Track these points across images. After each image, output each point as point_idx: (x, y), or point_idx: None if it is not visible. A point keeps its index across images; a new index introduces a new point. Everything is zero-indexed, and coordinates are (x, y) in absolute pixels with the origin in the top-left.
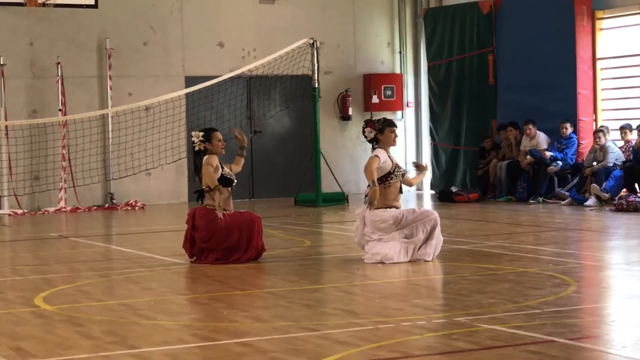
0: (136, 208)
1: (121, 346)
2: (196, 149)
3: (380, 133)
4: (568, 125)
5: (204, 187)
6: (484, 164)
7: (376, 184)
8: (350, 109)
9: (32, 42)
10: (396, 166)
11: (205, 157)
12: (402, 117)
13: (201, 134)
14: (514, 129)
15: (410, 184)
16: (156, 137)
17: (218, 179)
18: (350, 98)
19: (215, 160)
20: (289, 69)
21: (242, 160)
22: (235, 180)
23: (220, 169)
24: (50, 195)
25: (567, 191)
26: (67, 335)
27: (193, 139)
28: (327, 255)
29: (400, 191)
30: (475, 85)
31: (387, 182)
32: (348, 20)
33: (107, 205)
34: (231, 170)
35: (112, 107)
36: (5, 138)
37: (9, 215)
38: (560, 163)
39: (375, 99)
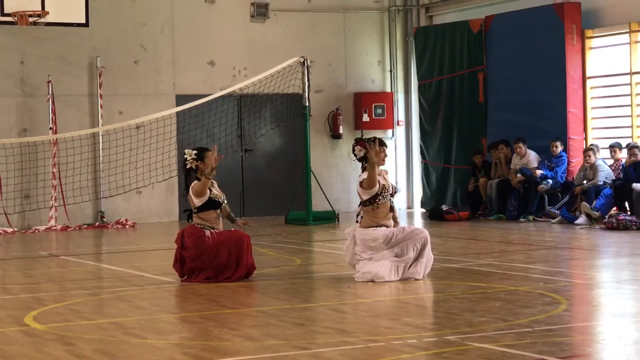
0: (127, 226)
1: None
2: (188, 166)
3: None
4: (558, 143)
5: (192, 208)
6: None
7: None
8: (340, 128)
9: (23, 61)
10: (383, 187)
11: (193, 184)
12: (393, 135)
13: (194, 152)
14: (506, 146)
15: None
16: (147, 156)
17: (206, 202)
18: (340, 116)
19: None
20: (280, 88)
21: (227, 214)
22: (225, 202)
23: (209, 192)
24: (40, 213)
25: (557, 209)
26: (57, 354)
27: (186, 156)
28: (317, 274)
29: (391, 210)
30: (466, 103)
31: (374, 203)
32: (339, 38)
33: (97, 223)
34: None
35: (102, 125)
36: None
37: None
38: (550, 181)
39: (365, 118)
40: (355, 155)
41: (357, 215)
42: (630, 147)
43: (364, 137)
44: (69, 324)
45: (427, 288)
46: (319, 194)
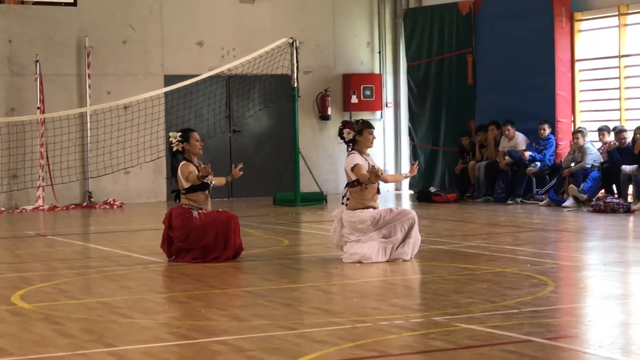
0: (114, 207)
1: (98, 344)
2: (174, 149)
3: (359, 134)
4: (546, 126)
5: (180, 188)
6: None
7: (377, 175)
8: (329, 109)
9: (11, 40)
10: (372, 167)
11: (181, 165)
12: (381, 117)
13: (179, 134)
14: (496, 128)
15: (385, 181)
16: (135, 136)
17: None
18: (329, 98)
19: (191, 167)
20: (268, 69)
21: (224, 182)
22: (213, 183)
23: (197, 173)
24: (28, 193)
25: (544, 192)
26: (44, 333)
27: (171, 139)
28: (305, 255)
29: (378, 192)
30: (454, 85)
31: (363, 184)
32: (327, 20)
33: (85, 203)
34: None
35: (90, 105)
36: None
37: None
38: (538, 164)
39: (354, 99)
40: (343, 138)
41: (343, 197)
42: (618, 131)
43: (352, 119)
44: (56, 303)
45: (415, 269)
46: (307, 175)
